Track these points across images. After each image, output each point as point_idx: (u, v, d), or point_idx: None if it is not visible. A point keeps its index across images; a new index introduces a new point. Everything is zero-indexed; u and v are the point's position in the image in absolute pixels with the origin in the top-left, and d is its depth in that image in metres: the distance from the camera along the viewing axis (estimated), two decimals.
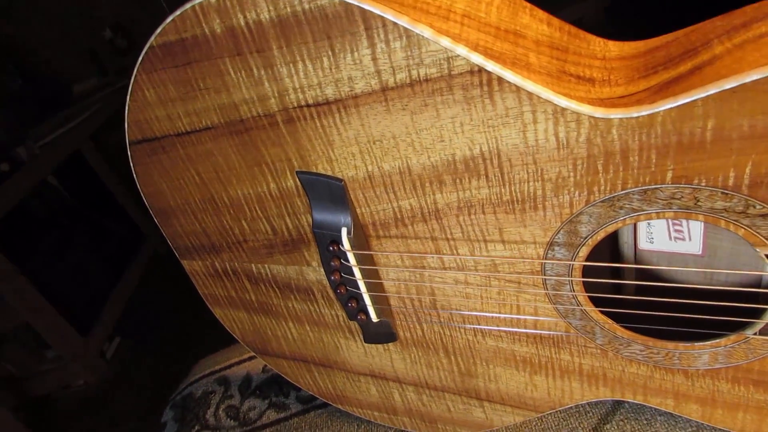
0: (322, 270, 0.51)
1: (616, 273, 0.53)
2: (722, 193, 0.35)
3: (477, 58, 0.35)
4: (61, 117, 2.05)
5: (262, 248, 0.52)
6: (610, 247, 0.52)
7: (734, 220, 0.36)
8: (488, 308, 0.48)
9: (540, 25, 0.40)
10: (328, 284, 0.52)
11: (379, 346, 0.56)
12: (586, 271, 0.44)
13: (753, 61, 0.31)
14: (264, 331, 0.61)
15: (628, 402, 0.56)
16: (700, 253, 0.48)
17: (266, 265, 0.54)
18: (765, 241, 0.36)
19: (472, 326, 0.50)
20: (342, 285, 0.50)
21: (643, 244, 0.50)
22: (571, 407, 0.58)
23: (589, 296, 0.43)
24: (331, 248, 0.47)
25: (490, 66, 0.35)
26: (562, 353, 0.48)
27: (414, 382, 0.58)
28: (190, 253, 0.56)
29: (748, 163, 0.33)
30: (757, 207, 0.35)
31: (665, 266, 0.50)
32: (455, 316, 0.50)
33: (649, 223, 0.48)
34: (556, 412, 0.59)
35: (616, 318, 0.45)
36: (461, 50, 0.35)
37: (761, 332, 0.39)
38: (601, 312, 0.44)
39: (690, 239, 0.48)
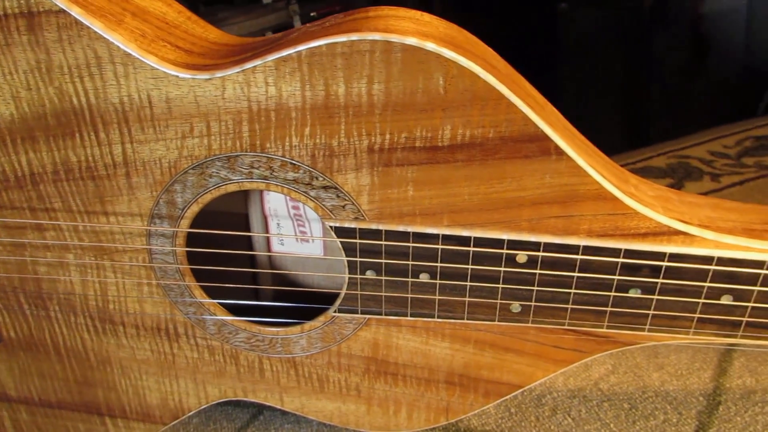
0: None
1: (256, 281, 0.55)
2: (291, 163, 0.38)
3: (61, 1, 0.35)
4: None
5: None
6: (246, 250, 0.53)
7: (304, 192, 0.39)
8: (97, 293, 0.44)
9: (158, 2, 0.41)
10: None
11: None
12: (226, 278, 0.44)
13: (306, 40, 0.35)
14: None
15: (264, 414, 0.55)
16: (321, 254, 0.52)
17: None
18: (330, 213, 0.40)
19: (83, 318, 0.46)
20: None
21: (276, 247, 0.53)
22: (209, 424, 0.56)
23: (193, 273, 0.43)
24: None
25: (74, 11, 0.35)
26: (177, 348, 0.46)
27: (26, 400, 0.50)
28: None
29: (304, 133, 0.37)
30: (320, 179, 0.39)
31: (296, 263, 0.53)
32: (63, 305, 0.45)
33: (279, 224, 0.51)
34: (195, 428, 0.55)
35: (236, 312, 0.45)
36: None
37: (341, 309, 0.43)
38: (201, 287, 0.44)
39: (313, 240, 0.51)
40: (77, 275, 0.44)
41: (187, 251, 0.43)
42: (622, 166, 0.42)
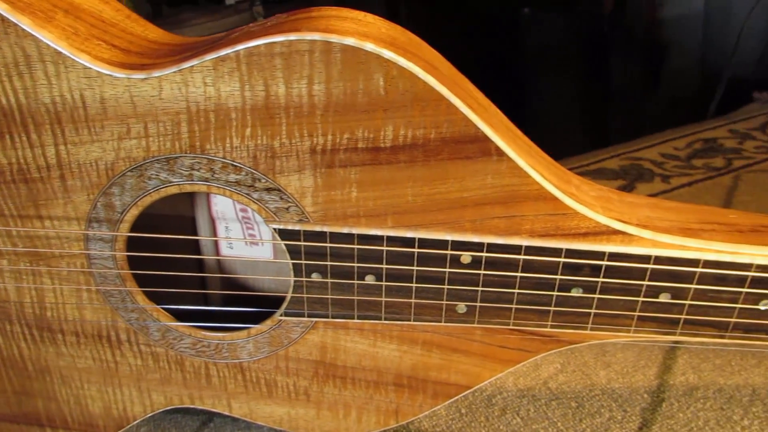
0: None
1: (204, 284, 0.53)
2: (232, 165, 0.38)
3: None
4: None
5: None
6: (194, 254, 0.52)
7: (246, 194, 0.38)
8: (33, 300, 0.43)
9: (95, 1, 0.40)
10: None
11: None
12: (169, 283, 0.43)
13: (246, 40, 0.35)
14: None
15: (214, 421, 0.54)
16: (271, 257, 0.51)
17: None
18: (274, 216, 0.39)
19: (19, 326, 0.44)
20: None
21: (225, 251, 0.52)
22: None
23: (136, 278, 0.42)
24: None
25: (0, 7, 0.34)
26: (119, 355, 0.45)
27: None
28: None
29: (245, 135, 0.36)
30: (262, 181, 0.38)
31: (245, 267, 0.52)
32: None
33: (227, 227, 0.50)
34: None
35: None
36: None
37: (287, 313, 0.42)
38: (144, 292, 0.43)
39: (262, 244, 0.51)
40: (12, 282, 0.42)
41: (128, 256, 0.42)
42: (576, 167, 0.43)
